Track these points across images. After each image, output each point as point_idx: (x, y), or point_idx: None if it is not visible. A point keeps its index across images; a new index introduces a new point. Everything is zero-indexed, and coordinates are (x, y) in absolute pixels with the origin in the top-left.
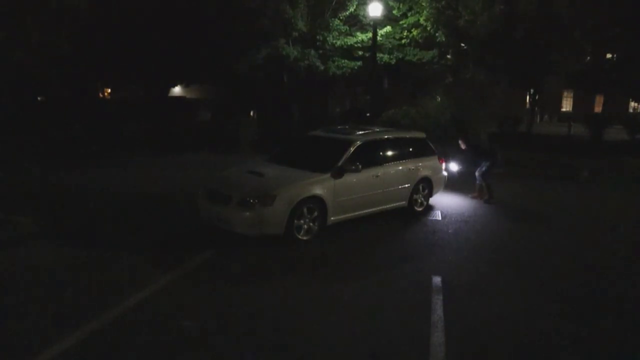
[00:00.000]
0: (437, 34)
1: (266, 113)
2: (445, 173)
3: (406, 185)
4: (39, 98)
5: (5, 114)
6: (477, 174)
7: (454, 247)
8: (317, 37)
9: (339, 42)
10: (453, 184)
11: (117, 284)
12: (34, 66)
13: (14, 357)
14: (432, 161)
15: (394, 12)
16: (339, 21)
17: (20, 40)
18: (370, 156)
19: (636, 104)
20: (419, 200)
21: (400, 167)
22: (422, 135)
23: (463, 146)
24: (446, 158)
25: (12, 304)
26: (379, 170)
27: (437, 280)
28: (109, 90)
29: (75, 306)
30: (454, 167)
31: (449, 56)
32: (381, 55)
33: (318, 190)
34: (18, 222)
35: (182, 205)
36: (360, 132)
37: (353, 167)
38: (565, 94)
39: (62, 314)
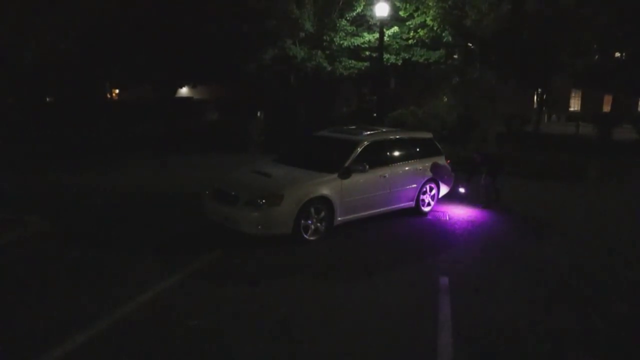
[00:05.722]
0: (443, 34)
1: (273, 113)
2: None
3: (413, 186)
4: (47, 99)
5: (15, 114)
6: (484, 179)
7: (461, 247)
8: (324, 37)
9: (345, 43)
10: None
11: (124, 284)
12: (43, 67)
13: (19, 357)
14: (439, 161)
15: (401, 12)
16: (345, 21)
17: (31, 42)
18: (377, 156)
19: None
20: (426, 201)
21: (408, 168)
22: (429, 135)
23: (479, 159)
24: (456, 182)
25: (18, 302)
26: (386, 171)
27: (444, 280)
28: (117, 91)
29: (82, 306)
30: (462, 189)
31: (455, 56)
32: (388, 55)
33: (325, 191)
34: (27, 221)
35: (190, 205)
36: (367, 133)
37: (360, 168)
38: (573, 93)
39: (69, 314)
